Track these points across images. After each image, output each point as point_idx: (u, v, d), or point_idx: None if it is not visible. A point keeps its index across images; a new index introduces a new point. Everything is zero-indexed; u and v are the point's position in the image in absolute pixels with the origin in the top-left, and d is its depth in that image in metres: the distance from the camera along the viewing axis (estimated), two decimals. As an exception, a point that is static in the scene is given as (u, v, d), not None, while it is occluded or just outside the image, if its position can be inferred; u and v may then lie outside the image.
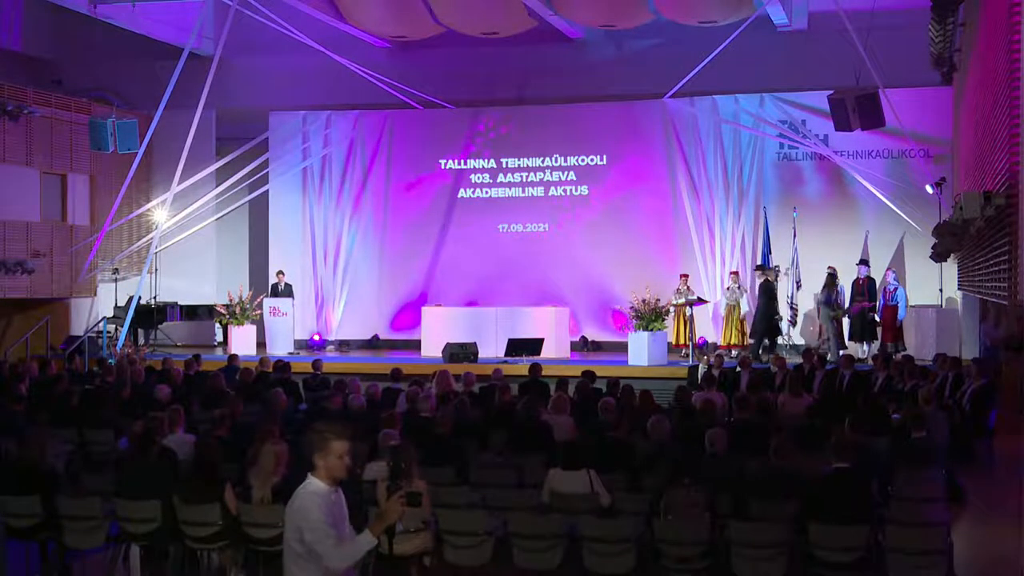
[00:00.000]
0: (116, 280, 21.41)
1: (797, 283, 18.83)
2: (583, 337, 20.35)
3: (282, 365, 14.98)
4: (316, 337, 21.25)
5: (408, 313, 21.32)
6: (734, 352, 18.17)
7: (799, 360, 15.42)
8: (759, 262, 19.32)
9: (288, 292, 20.26)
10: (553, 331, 18.80)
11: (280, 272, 20.56)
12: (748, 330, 18.87)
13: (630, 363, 17.57)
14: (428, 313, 20.00)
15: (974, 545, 8.90)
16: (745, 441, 9.31)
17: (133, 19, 19.76)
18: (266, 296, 20.17)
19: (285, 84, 21.65)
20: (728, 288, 19.13)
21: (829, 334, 18.03)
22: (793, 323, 18.88)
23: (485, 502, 8.41)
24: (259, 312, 19.97)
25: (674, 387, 12.73)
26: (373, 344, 21.32)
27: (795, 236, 18.87)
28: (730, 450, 8.88)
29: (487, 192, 21.38)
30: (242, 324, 19.67)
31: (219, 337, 21.59)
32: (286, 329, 19.96)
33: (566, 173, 21.01)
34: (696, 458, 8.39)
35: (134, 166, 19.76)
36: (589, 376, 13.34)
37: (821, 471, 7.67)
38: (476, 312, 19.84)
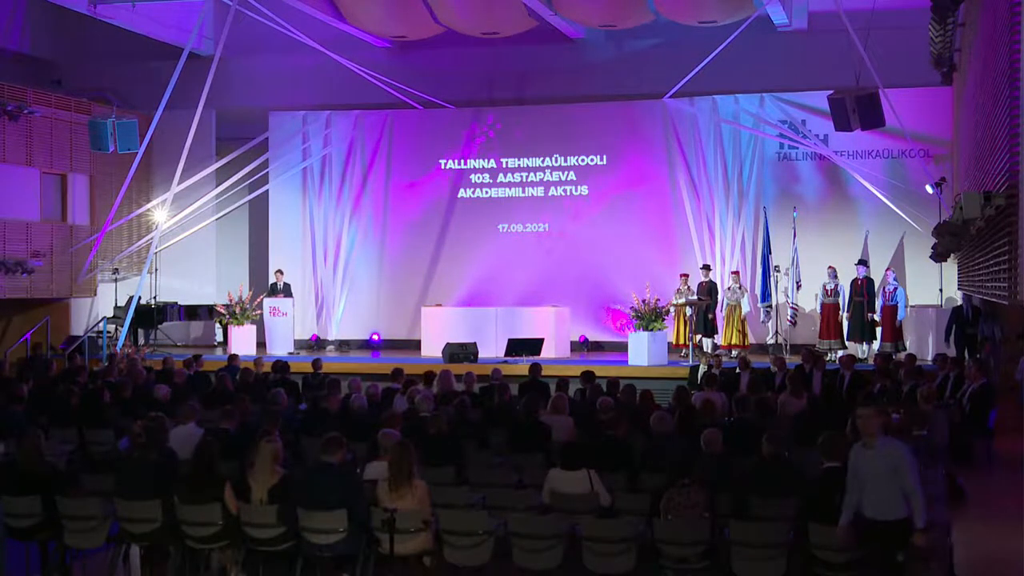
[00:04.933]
0: (116, 280, 21.41)
1: (797, 283, 18.83)
2: (583, 337, 20.35)
3: (281, 365, 15.00)
4: (312, 338, 21.30)
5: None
6: (734, 352, 18.18)
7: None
8: (705, 262, 19.55)
9: (287, 291, 20.25)
10: (553, 331, 18.81)
11: (279, 271, 20.55)
12: (748, 330, 18.98)
13: (630, 363, 17.58)
14: (428, 313, 20.00)
15: (974, 545, 8.89)
16: (744, 441, 9.31)
17: (133, 19, 19.75)
18: (266, 296, 20.17)
19: (285, 84, 21.66)
20: (729, 288, 19.13)
21: None
22: (794, 323, 18.88)
23: (485, 502, 8.42)
24: (259, 312, 19.97)
25: (674, 387, 12.72)
26: (371, 344, 21.30)
27: (795, 236, 18.88)
28: (728, 450, 8.88)
29: (487, 192, 21.39)
30: (242, 324, 19.67)
31: (219, 337, 21.60)
32: (286, 329, 19.96)
33: (566, 173, 21.01)
34: (695, 458, 8.39)
35: (134, 166, 19.78)
36: (589, 376, 13.36)
37: (816, 470, 7.66)
38: (476, 312, 19.82)
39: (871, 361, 16.59)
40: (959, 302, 18.34)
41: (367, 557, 7.81)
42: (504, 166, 21.30)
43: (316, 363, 15.40)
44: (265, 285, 20.88)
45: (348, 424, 10.47)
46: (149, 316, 20.93)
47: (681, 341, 18.73)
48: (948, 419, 11.72)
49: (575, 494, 8.18)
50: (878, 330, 18.14)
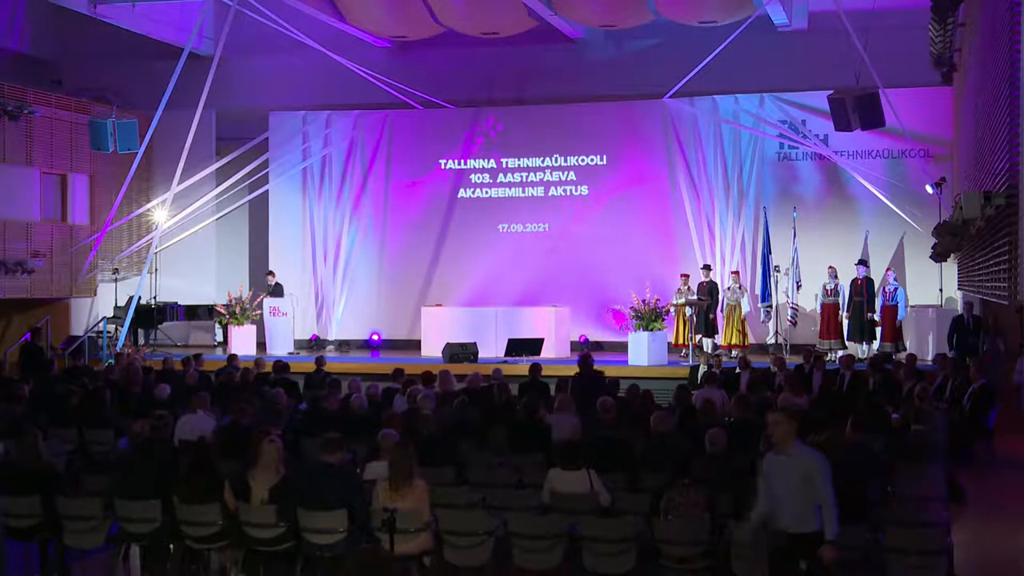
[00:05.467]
0: (116, 280, 21.41)
1: (797, 283, 18.83)
2: (583, 337, 20.35)
3: (281, 365, 14.99)
4: (312, 338, 21.29)
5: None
6: (734, 352, 18.18)
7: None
8: (705, 262, 19.60)
9: (278, 292, 20.14)
10: (553, 331, 18.81)
11: (270, 272, 20.51)
12: (748, 330, 19.00)
13: (630, 363, 17.58)
14: (428, 313, 19.99)
15: (974, 545, 8.89)
16: (744, 440, 9.31)
17: (133, 19, 19.76)
18: (265, 296, 20.16)
19: (285, 84, 21.66)
20: (729, 288, 19.13)
21: None
22: (794, 323, 18.88)
23: (485, 502, 8.41)
24: (259, 312, 19.96)
25: (674, 387, 12.72)
26: (371, 344, 21.28)
27: (795, 236, 18.88)
28: (729, 449, 8.88)
29: (487, 192, 21.38)
30: (242, 324, 19.66)
31: (219, 337, 21.59)
32: (286, 329, 19.95)
33: (566, 173, 21.01)
34: (696, 457, 8.39)
35: (134, 166, 19.78)
36: (588, 359, 13.42)
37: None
38: (476, 312, 19.81)
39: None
40: (959, 303, 18.35)
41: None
42: (504, 166, 21.30)
43: (319, 360, 15.44)
44: (265, 285, 20.88)
45: (348, 424, 10.47)
46: (149, 316, 20.93)
47: (681, 341, 18.72)
48: (947, 417, 11.71)
49: (575, 494, 8.18)
50: (878, 330, 18.14)
